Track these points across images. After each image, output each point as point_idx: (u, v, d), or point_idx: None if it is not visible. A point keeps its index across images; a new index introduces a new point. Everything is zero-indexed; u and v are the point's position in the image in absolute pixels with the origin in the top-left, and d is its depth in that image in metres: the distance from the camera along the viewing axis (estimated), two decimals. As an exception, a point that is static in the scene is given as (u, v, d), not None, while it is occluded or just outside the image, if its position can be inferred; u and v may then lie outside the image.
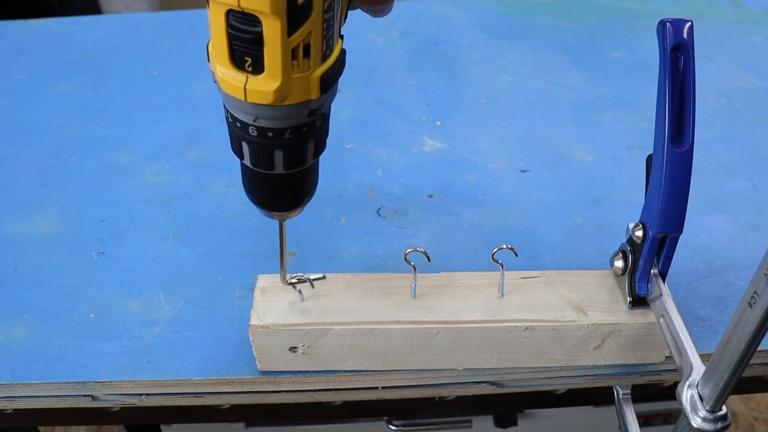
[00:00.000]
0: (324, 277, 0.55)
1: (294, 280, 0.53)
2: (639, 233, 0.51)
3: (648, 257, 0.52)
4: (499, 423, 1.00)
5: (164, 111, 0.84)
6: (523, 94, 0.86)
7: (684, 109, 0.48)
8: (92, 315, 0.60)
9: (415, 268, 0.53)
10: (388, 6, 0.45)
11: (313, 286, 0.54)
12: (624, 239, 0.54)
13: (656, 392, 0.60)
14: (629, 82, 0.87)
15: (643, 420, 1.03)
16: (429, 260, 0.53)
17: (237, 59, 0.35)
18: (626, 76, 0.89)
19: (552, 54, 0.93)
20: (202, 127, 0.81)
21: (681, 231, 0.50)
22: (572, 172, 0.74)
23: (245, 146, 0.40)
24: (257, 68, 0.35)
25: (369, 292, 0.54)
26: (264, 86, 0.35)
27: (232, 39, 0.34)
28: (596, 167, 0.75)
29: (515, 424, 1.00)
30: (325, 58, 0.37)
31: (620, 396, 0.57)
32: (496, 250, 0.52)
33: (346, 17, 0.43)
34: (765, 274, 0.35)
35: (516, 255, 0.53)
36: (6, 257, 0.65)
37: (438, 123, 0.81)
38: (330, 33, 0.36)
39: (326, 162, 0.75)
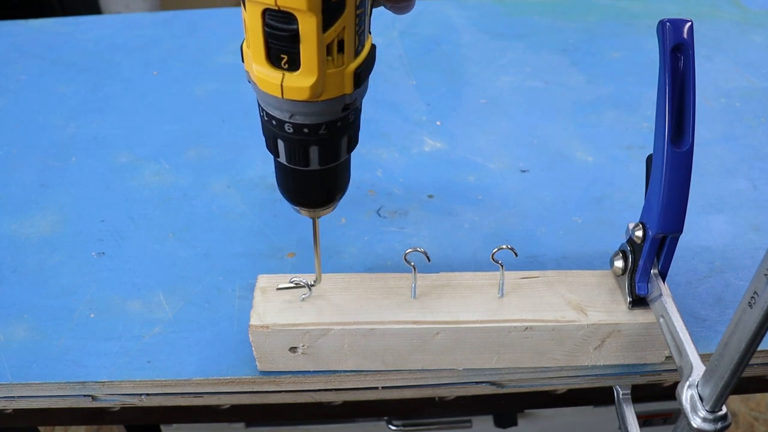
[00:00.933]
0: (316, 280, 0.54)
1: (291, 285, 0.53)
2: (639, 233, 0.51)
3: (648, 257, 0.52)
4: (499, 423, 1.00)
5: (164, 111, 0.84)
6: (523, 94, 0.86)
7: (684, 109, 0.48)
8: (92, 315, 0.60)
9: (415, 268, 0.53)
10: (410, 2, 0.45)
11: (311, 291, 0.54)
12: (624, 239, 0.54)
13: (656, 392, 0.60)
14: (629, 82, 0.87)
15: (643, 420, 1.03)
16: (429, 260, 0.53)
17: (273, 57, 0.36)
18: (626, 76, 0.89)
19: (552, 54, 0.93)
20: (202, 127, 0.81)
21: (681, 231, 0.50)
22: (572, 172, 0.74)
23: (281, 144, 0.41)
24: (293, 65, 0.36)
25: (369, 292, 0.54)
26: (300, 83, 0.36)
27: (268, 37, 0.35)
28: (596, 167, 0.75)
29: (515, 424, 1.00)
30: (357, 53, 0.38)
31: (620, 396, 0.57)
32: (496, 250, 0.52)
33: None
34: (765, 275, 0.35)
35: (516, 255, 0.53)
36: (6, 257, 0.65)
37: (438, 123, 0.81)
38: (362, 28, 0.37)
39: (326, 162, 0.76)
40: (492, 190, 0.72)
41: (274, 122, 0.40)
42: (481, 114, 0.83)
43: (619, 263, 0.54)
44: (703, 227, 0.67)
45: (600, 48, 0.94)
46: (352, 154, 0.45)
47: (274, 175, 0.46)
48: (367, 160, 0.76)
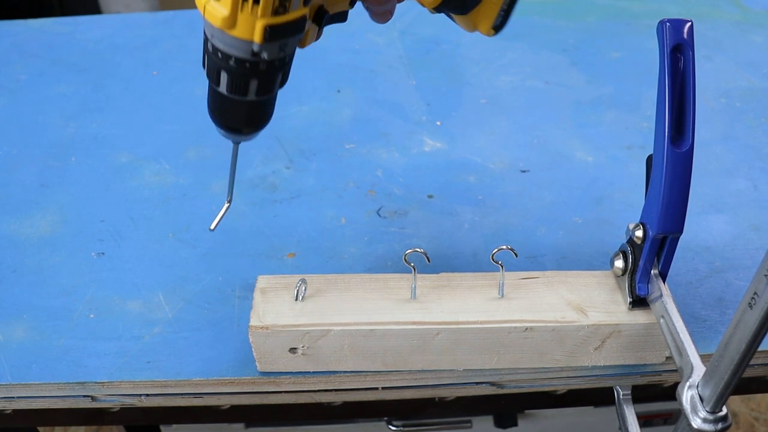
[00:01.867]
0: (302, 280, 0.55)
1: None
2: (639, 233, 0.51)
3: (648, 258, 0.52)
4: (499, 423, 1.00)
5: (164, 111, 0.84)
6: (523, 94, 0.86)
7: (684, 110, 0.48)
8: (92, 315, 0.60)
9: (414, 269, 0.53)
10: (388, 15, 0.48)
11: (302, 296, 0.54)
12: (624, 239, 0.54)
13: (656, 392, 0.60)
14: (629, 82, 0.87)
15: (644, 420, 1.03)
16: (429, 261, 0.53)
17: None
18: (626, 76, 0.89)
19: (552, 54, 0.93)
20: (202, 127, 0.81)
21: (681, 231, 0.50)
22: (572, 172, 0.74)
23: (205, 59, 0.47)
24: None
25: (369, 293, 0.54)
26: (218, 10, 0.42)
27: None
28: (596, 167, 0.75)
29: (515, 424, 1.00)
30: (276, 13, 0.42)
31: (620, 396, 0.57)
32: (496, 250, 0.52)
33: (352, 3, 0.49)
34: (765, 275, 0.35)
35: (516, 255, 0.53)
36: (6, 257, 0.65)
37: (438, 123, 0.81)
38: None
39: (326, 162, 0.76)
40: (492, 190, 0.72)
41: (204, 39, 0.46)
42: (481, 114, 0.83)
43: (619, 263, 0.54)
44: (703, 227, 0.67)
45: (600, 48, 0.94)
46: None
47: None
48: (367, 160, 0.76)
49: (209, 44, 0.45)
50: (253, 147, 0.78)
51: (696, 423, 0.42)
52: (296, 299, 0.53)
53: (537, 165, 0.75)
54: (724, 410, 0.42)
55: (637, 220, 0.52)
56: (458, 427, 1.00)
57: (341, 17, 0.50)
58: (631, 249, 0.53)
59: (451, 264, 0.64)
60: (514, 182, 0.73)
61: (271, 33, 0.42)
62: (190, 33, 0.99)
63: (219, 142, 0.80)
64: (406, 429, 0.98)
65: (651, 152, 0.50)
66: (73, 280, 0.63)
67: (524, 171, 0.74)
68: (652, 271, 0.52)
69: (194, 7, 0.44)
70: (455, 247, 0.66)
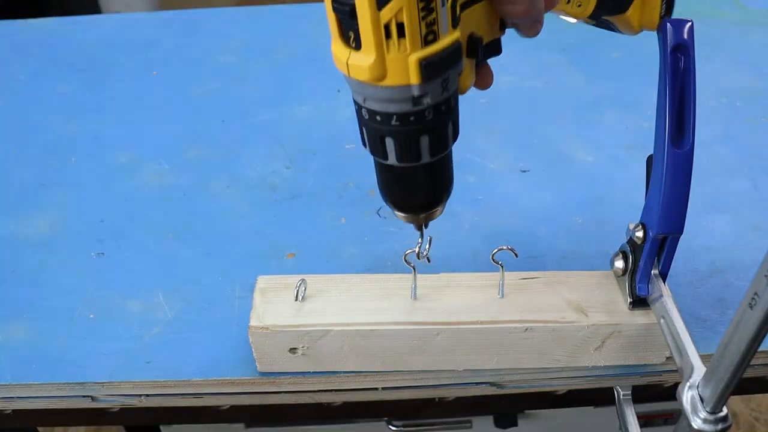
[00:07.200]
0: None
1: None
2: (639, 234, 0.51)
3: (648, 258, 0.52)
4: (499, 423, 1.00)
5: (164, 111, 0.84)
6: (523, 94, 0.86)
7: (684, 110, 0.48)
8: (92, 315, 0.60)
9: (415, 269, 0.53)
10: (538, 25, 0.44)
11: (302, 296, 0.54)
12: (624, 240, 0.53)
13: (657, 393, 0.60)
14: (629, 82, 0.87)
15: (644, 420, 1.03)
16: (429, 261, 0.53)
17: (344, 35, 0.38)
18: (626, 76, 0.88)
19: (552, 54, 0.93)
20: (202, 127, 0.81)
21: (681, 231, 0.50)
22: (572, 172, 0.74)
23: (363, 132, 0.42)
24: (358, 44, 0.37)
25: (369, 293, 0.54)
26: (362, 61, 0.37)
27: (335, 12, 0.37)
28: (596, 167, 0.75)
29: (515, 424, 1.00)
30: (427, 42, 0.37)
31: (621, 397, 0.57)
32: (496, 250, 0.52)
33: (503, 28, 0.44)
34: (765, 276, 0.35)
35: (516, 256, 0.53)
36: (5, 257, 0.65)
37: (438, 123, 0.81)
38: (431, 17, 0.36)
39: (326, 162, 0.76)
40: (492, 190, 0.72)
41: (355, 106, 0.41)
42: (481, 114, 0.83)
43: (619, 264, 0.54)
44: (703, 227, 0.67)
45: (600, 48, 0.94)
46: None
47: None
48: (367, 160, 0.75)
49: (364, 111, 0.40)
50: (253, 147, 0.78)
51: (696, 423, 0.42)
52: (296, 299, 0.53)
53: (537, 165, 0.75)
54: (725, 410, 0.42)
55: (637, 220, 0.52)
56: (458, 427, 1.00)
57: (495, 49, 0.45)
58: (632, 249, 0.53)
59: (451, 264, 0.64)
60: (514, 182, 0.73)
61: (428, 67, 0.37)
62: (190, 33, 0.98)
63: (219, 142, 0.80)
64: (406, 429, 0.98)
65: (651, 152, 0.50)
66: (72, 280, 0.63)
67: (524, 171, 0.74)
68: (652, 272, 0.52)
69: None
70: (455, 247, 0.65)
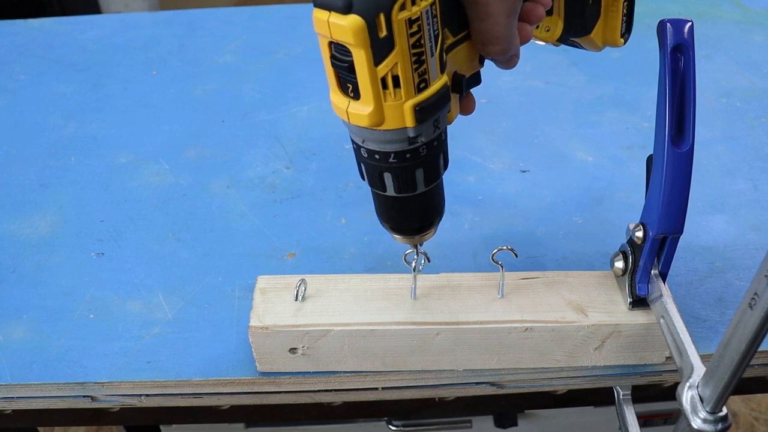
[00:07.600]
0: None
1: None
2: (639, 234, 0.51)
3: (648, 258, 0.52)
4: (499, 423, 1.00)
5: (164, 111, 0.84)
6: (523, 94, 0.86)
7: (684, 110, 0.48)
8: (92, 315, 0.60)
9: (415, 269, 0.53)
10: (514, 60, 0.48)
11: (302, 296, 0.54)
12: (624, 240, 0.54)
13: (657, 393, 0.60)
14: (629, 82, 0.87)
15: (644, 420, 1.03)
16: (429, 261, 0.53)
17: (342, 87, 0.41)
18: (626, 76, 0.89)
19: (552, 54, 0.93)
20: (202, 127, 0.81)
21: (681, 232, 0.50)
22: (572, 172, 0.74)
23: (362, 168, 0.45)
24: (356, 94, 0.40)
25: (369, 293, 0.54)
26: (361, 110, 0.40)
27: (334, 67, 0.40)
28: (596, 167, 0.75)
29: (515, 424, 1.00)
30: (420, 90, 0.40)
31: (620, 396, 0.57)
32: (496, 251, 0.52)
33: (481, 62, 0.48)
34: (765, 276, 0.35)
35: (516, 256, 0.53)
36: (5, 257, 0.65)
37: (438, 123, 0.81)
38: (423, 68, 0.40)
39: (326, 162, 0.76)
40: (492, 190, 0.72)
41: (354, 146, 0.44)
42: (481, 114, 0.82)
43: (619, 264, 0.54)
44: (703, 227, 0.67)
45: (600, 48, 0.94)
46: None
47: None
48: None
49: (362, 150, 0.43)
50: (253, 147, 0.78)
51: (696, 423, 0.42)
52: (296, 299, 0.53)
53: (537, 165, 0.75)
54: (724, 410, 0.42)
55: (637, 220, 0.52)
56: (458, 427, 1.00)
57: (476, 80, 0.49)
58: (632, 249, 0.53)
59: (451, 264, 0.64)
60: (514, 182, 0.73)
61: (421, 112, 0.41)
62: (189, 33, 0.99)
63: (219, 142, 0.80)
64: (406, 429, 0.98)
65: (651, 152, 0.50)
66: (72, 280, 0.63)
67: (524, 171, 0.74)
68: (652, 272, 0.52)
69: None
70: (455, 247, 0.65)
